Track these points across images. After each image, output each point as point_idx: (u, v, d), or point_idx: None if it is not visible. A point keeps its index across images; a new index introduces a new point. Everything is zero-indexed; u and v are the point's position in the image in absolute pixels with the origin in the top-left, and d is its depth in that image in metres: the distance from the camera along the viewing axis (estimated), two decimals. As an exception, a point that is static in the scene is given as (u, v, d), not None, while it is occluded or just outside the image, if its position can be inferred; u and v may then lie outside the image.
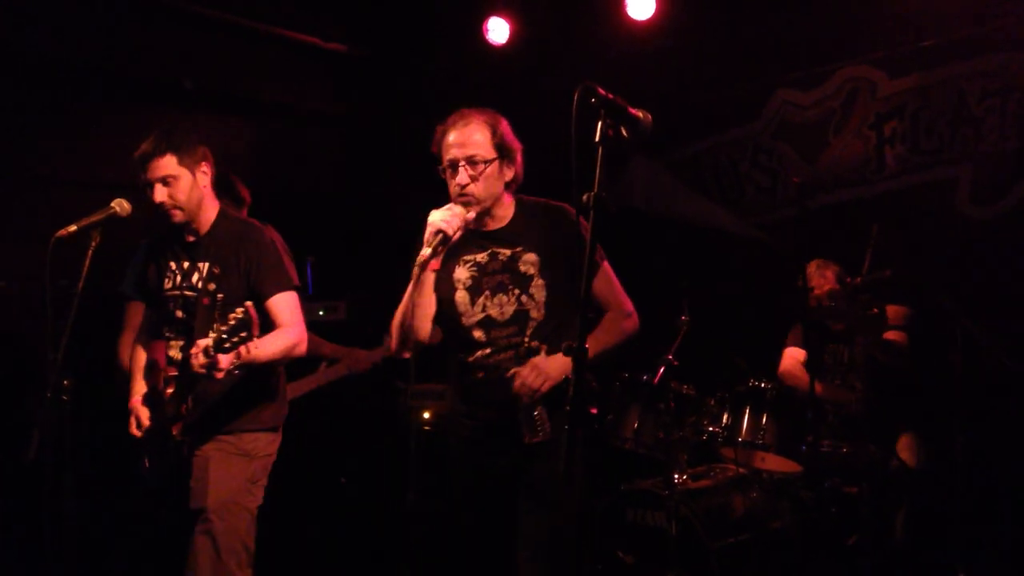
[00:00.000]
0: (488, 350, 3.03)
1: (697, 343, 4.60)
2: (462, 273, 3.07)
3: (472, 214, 2.95)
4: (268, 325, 3.33)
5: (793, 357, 4.76)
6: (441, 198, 3.06)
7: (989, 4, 4.72)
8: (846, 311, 4.25)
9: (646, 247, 5.98)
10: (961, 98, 4.87)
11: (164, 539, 3.64)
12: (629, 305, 3.13)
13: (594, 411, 3.87)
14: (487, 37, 5.68)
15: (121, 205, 3.27)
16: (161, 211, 3.36)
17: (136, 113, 5.08)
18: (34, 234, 3.43)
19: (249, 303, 3.06)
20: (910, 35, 4.99)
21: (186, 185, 3.36)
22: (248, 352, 3.10)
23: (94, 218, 3.22)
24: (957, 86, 4.87)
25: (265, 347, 3.23)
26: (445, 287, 3.06)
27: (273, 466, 3.59)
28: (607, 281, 3.11)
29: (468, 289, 3.06)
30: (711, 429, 4.54)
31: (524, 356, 2.98)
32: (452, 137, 2.99)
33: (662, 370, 4.33)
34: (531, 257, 3.03)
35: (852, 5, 5.10)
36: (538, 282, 3.03)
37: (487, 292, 3.04)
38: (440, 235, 2.85)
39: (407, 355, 3.14)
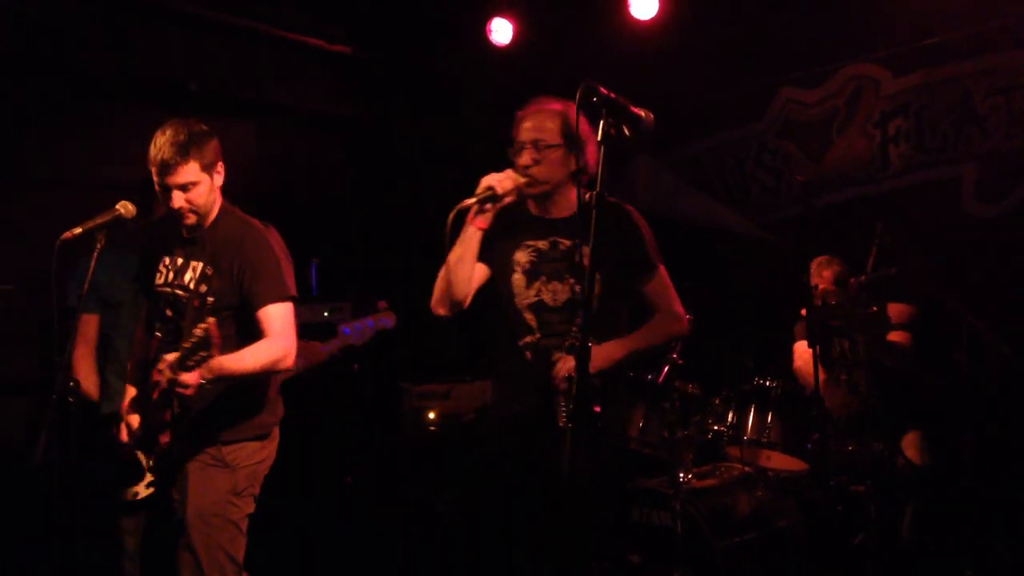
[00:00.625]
0: (538, 335, 3.07)
1: (702, 342, 4.59)
2: (522, 256, 3.12)
3: (526, 184, 3.00)
4: (257, 334, 3.23)
5: (804, 352, 4.75)
6: (452, 197, 3.08)
7: (993, 2, 4.71)
8: (845, 311, 4.24)
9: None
10: (965, 96, 4.86)
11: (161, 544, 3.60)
12: (680, 309, 3.17)
13: (598, 409, 3.85)
14: (491, 38, 5.68)
15: (126, 207, 3.23)
16: (177, 215, 3.26)
17: (141, 115, 5.08)
18: (39, 236, 3.44)
19: (211, 320, 2.96)
20: (914, 33, 4.98)
21: (205, 190, 3.27)
22: (211, 371, 3.02)
23: (99, 220, 3.19)
24: (961, 84, 4.86)
25: (242, 361, 3.14)
26: (504, 268, 3.13)
27: (277, 466, 3.55)
28: (661, 284, 3.16)
29: (526, 273, 3.11)
30: (716, 428, 4.54)
31: (571, 345, 3.00)
32: (526, 122, 3.07)
33: (667, 369, 4.34)
34: (584, 252, 3.00)
35: (856, 3, 5.10)
36: (594, 275, 3.04)
37: (543, 277, 3.09)
38: (490, 191, 2.90)
39: (442, 312, 3.10)
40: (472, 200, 2.89)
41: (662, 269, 3.17)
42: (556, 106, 3.09)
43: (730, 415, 4.51)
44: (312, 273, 5.24)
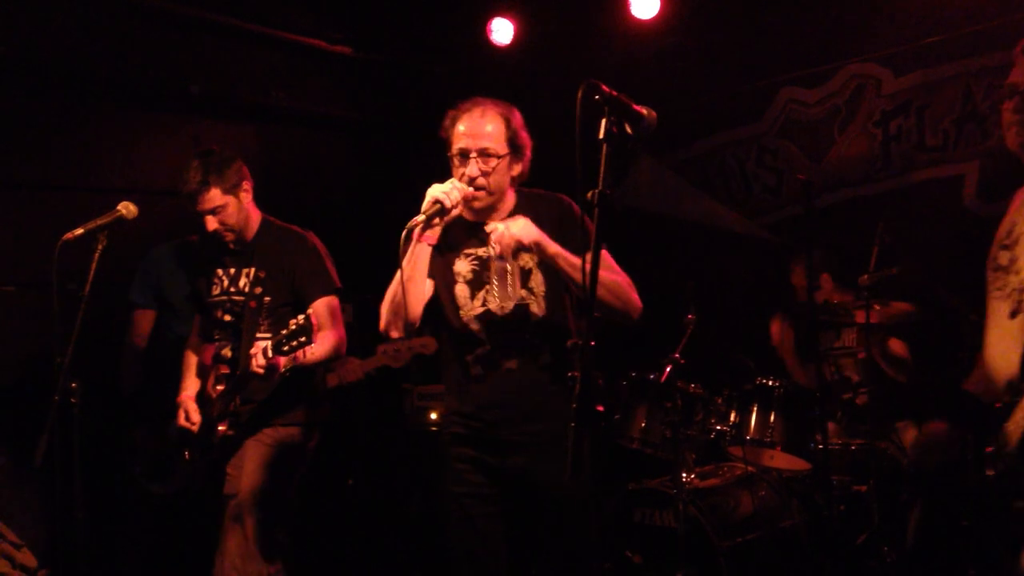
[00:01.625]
0: (487, 347, 2.95)
1: (704, 342, 4.59)
2: (462, 266, 3.01)
3: (472, 194, 2.90)
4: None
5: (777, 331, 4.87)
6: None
7: (994, 0, 4.70)
8: (844, 311, 4.28)
9: (652, 247, 5.98)
10: (967, 95, 4.86)
11: (182, 535, 3.73)
12: (635, 295, 3.02)
13: (600, 409, 3.85)
14: (491, 38, 5.68)
15: (127, 208, 3.28)
16: (215, 238, 3.57)
17: (143, 119, 5.10)
18: (42, 239, 3.44)
19: (310, 311, 3.24)
20: (915, 32, 4.98)
21: (234, 210, 3.57)
22: (304, 356, 3.33)
23: (100, 221, 3.23)
24: (963, 83, 4.86)
25: (314, 352, 3.42)
26: (445, 280, 3.00)
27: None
28: (609, 268, 3.00)
29: (468, 283, 2.99)
30: (719, 428, 4.53)
31: (524, 353, 2.94)
32: (465, 126, 2.94)
33: (669, 369, 4.33)
34: (532, 255, 2.96)
35: (856, 3, 5.10)
36: (538, 276, 2.97)
37: (487, 286, 2.96)
38: (438, 205, 2.79)
39: (395, 334, 2.98)
40: (421, 217, 2.78)
41: (605, 252, 2.92)
42: (497, 108, 2.97)
43: (732, 415, 4.50)
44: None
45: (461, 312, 2.98)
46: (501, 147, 2.93)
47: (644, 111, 2.35)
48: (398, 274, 2.88)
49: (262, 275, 3.58)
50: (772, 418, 4.38)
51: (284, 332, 3.25)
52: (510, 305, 2.93)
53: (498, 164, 2.92)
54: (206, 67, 5.29)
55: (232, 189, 3.56)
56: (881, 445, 4.19)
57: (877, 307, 4.13)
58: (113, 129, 4.96)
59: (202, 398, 3.68)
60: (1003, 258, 2.51)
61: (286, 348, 3.25)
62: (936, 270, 4.43)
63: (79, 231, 3.19)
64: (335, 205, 5.88)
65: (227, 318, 3.64)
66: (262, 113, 5.74)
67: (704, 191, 5.87)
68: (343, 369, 4.41)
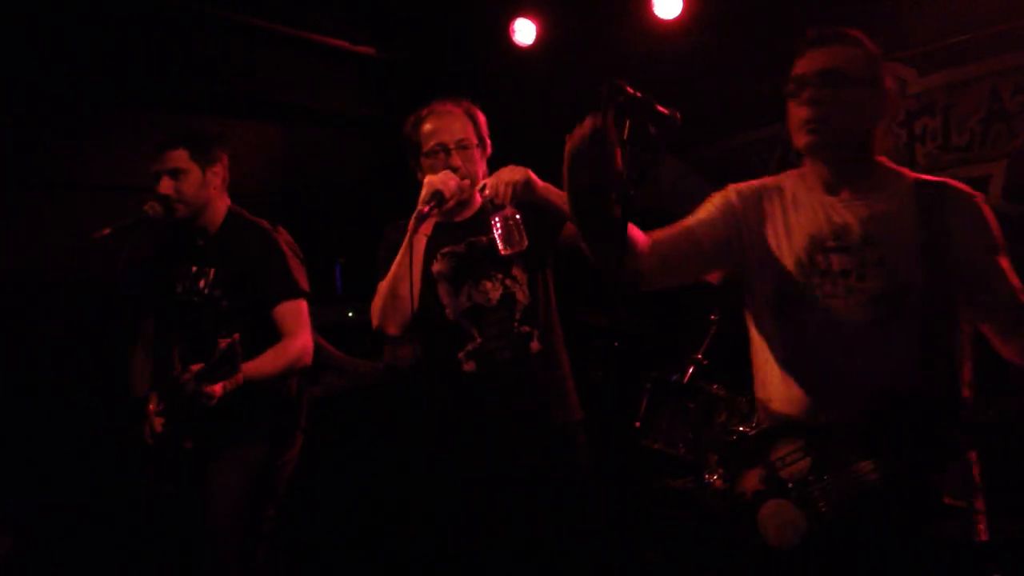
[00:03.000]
0: (479, 341, 2.99)
1: (727, 342, 4.58)
2: (440, 266, 3.05)
3: (465, 183, 2.95)
4: (274, 333, 3.30)
5: None
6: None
7: (1020, 0, 4.66)
8: None
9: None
10: (994, 94, 4.81)
11: (170, 547, 3.61)
12: None
13: (626, 411, 3.87)
14: (513, 38, 5.68)
15: (153, 208, 3.31)
16: (165, 203, 3.32)
17: (166, 118, 5.13)
18: (70, 238, 3.48)
19: (236, 335, 3.00)
20: (940, 31, 4.94)
21: (195, 182, 3.35)
22: (235, 383, 3.05)
23: (127, 221, 3.26)
24: (989, 82, 4.81)
25: (263, 367, 3.18)
26: (424, 284, 3.02)
27: (295, 469, 3.58)
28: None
29: (449, 280, 3.03)
30: (741, 428, 4.51)
31: (516, 342, 2.97)
32: (434, 124, 3.02)
33: (692, 369, 4.32)
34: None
35: (881, 2, 5.06)
36: (518, 264, 3.03)
37: (470, 281, 3.02)
38: (437, 195, 2.84)
39: (393, 331, 2.98)
40: (425, 207, 2.82)
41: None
42: (462, 106, 3.09)
43: (756, 416, 4.48)
44: (337, 273, 5.26)
45: (448, 310, 3.02)
46: (473, 138, 3.04)
47: (668, 112, 2.35)
48: (393, 269, 2.89)
49: (222, 277, 3.37)
50: (795, 419, 4.35)
51: (212, 358, 3.01)
52: (497, 295, 2.98)
53: (473, 153, 3.02)
54: (230, 67, 5.32)
55: (201, 160, 3.36)
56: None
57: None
58: (139, 129, 4.99)
59: (168, 409, 3.44)
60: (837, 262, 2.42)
61: (213, 376, 3.02)
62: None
63: (106, 231, 3.22)
64: (358, 204, 5.90)
65: (187, 319, 3.45)
66: (285, 113, 5.77)
67: (727, 190, 5.85)
68: (353, 372, 4.44)
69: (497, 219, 2.85)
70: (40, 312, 4.60)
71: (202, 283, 3.39)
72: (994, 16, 4.74)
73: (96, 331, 3.18)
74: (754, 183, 2.67)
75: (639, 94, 2.29)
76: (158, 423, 3.41)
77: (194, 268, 3.44)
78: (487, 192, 2.88)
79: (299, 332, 3.33)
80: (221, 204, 3.47)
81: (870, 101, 2.43)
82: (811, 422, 2.28)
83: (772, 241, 2.50)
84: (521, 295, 3.01)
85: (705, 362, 4.33)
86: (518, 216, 2.84)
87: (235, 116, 5.48)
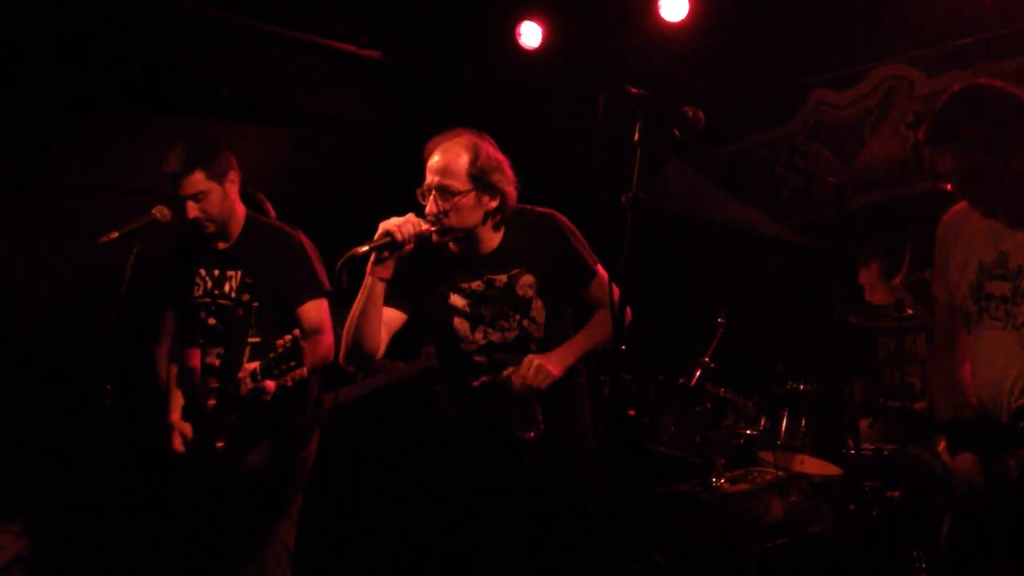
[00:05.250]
0: (491, 373, 2.98)
1: (734, 345, 4.57)
2: (458, 300, 2.99)
3: (437, 232, 2.85)
4: (300, 331, 3.28)
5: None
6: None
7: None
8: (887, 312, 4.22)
9: (681, 250, 5.96)
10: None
11: (197, 547, 3.62)
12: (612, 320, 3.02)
13: (632, 413, 3.86)
14: (520, 41, 5.69)
15: (162, 212, 3.33)
16: (195, 225, 3.40)
17: (173, 123, 5.14)
18: (77, 241, 3.50)
19: (296, 331, 3.08)
20: (948, 33, 4.93)
21: (217, 199, 3.39)
22: (296, 379, 3.13)
23: (135, 225, 3.27)
24: (997, 84, 4.80)
25: (310, 365, 3.25)
26: (440, 313, 2.99)
27: (312, 470, 3.62)
28: (601, 288, 3.04)
29: (467, 317, 2.98)
30: (748, 432, 4.50)
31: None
32: (432, 160, 2.95)
33: (698, 373, 4.31)
34: (528, 279, 2.98)
35: (889, 4, 5.05)
36: (537, 304, 2.98)
37: (487, 320, 2.97)
38: (388, 238, 2.74)
39: (352, 368, 3.03)
40: (365, 248, 2.73)
41: (601, 272, 3.06)
42: (463, 141, 2.95)
43: (762, 419, 4.47)
44: (344, 276, 5.26)
45: (462, 344, 2.99)
46: (462, 184, 2.86)
47: (690, 112, 2.35)
48: (353, 310, 2.85)
49: (249, 281, 3.41)
50: (803, 422, 4.34)
51: (272, 355, 3.07)
52: (512, 336, 2.97)
53: (459, 201, 2.85)
54: (236, 71, 5.33)
55: (217, 176, 3.37)
56: (914, 451, 4.13)
57: (909, 311, 4.08)
58: (145, 133, 5.00)
59: (193, 412, 3.51)
60: (996, 288, 2.49)
61: (276, 372, 3.09)
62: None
63: (114, 235, 3.23)
64: (364, 208, 5.89)
65: (211, 321, 3.47)
66: (292, 117, 5.78)
67: (733, 193, 5.84)
68: (389, 371, 4.46)
69: (518, 405, 2.89)
70: (50, 314, 4.62)
71: (228, 286, 3.44)
72: (1001, 18, 4.73)
73: (117, 333, 3.17)
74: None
75: (645, 93, 2.27)
76: (187, 429, 3.47)
77: (216, 271, 3.48)
78: (516, 381, 2.86)
79: (326, 330, 3.42)
80: (240, 208, 3.51)
81: None
82: None
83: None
84: (537, 333, 2.99)
85: (712, 365, 4.33)
86: (538, 406, 2.89)
87: (242, 120, 5.48)
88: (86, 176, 4.83)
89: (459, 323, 2.98)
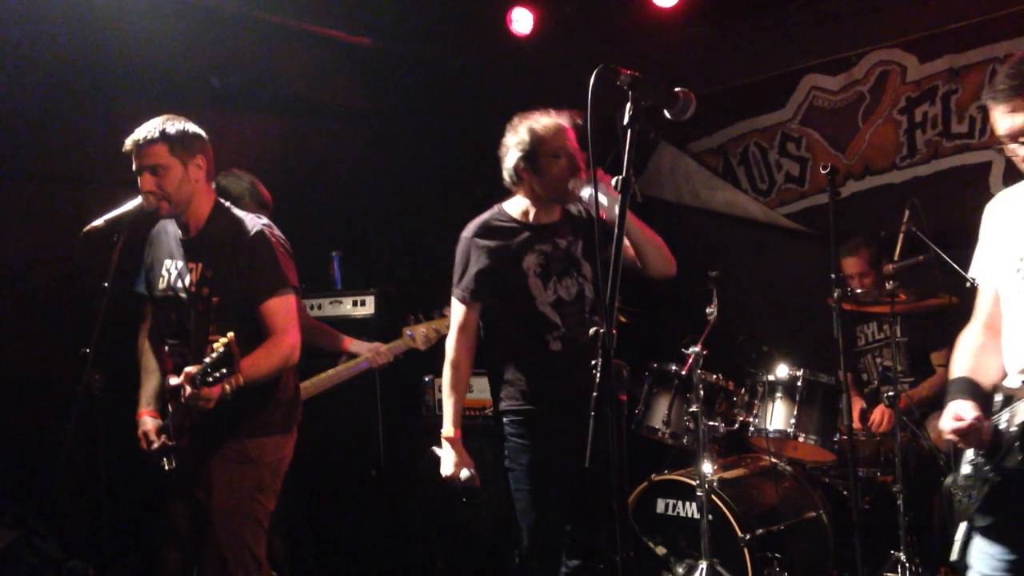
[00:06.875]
0: (563, 329, 3.34)
1: (727, 332, 4.56)
2: (531, 261, 3.36)
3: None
4: (262, 329, 3.21)
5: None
6: (472, 188, 3.09)
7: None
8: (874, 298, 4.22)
9: (674, 236, 5.94)
10: (994, 80, 4.78)
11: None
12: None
13: (623, 398, 3.86)
14: (511, 28, 5.66)
15: (148, 199, 3.24)
16: (148, 202, 3.22)
17: (163, 112, 5.10)
18: (66, 231, 3.46)
19: (231, 334, 2.92)
20: (940, 18, 4.92)
21: (176, 177, 3.22)
22: (232, 386, 2.99)
23: (121, 213, 3.21)
24: (989, 68, 4.79)
25: (258, 366, 3.11)
26: (514, 277, 3.34)
27: (305, 459, 3.55)
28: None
29: (539, 275, 3.36)
30: (742, 419, 4.51)
31: (588, 326, 3.22)
32: (558, 135, 3.35)
33: (691, 360, 4.30)
34: (579, 246, 3.45)
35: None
36: (585, 266, 3.44)
37: (554, 277, 3.38)
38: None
39: None
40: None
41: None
42: (564, 117, 3.39)
43: (755, 405, 4.47)
44: (335, 266, 5.24)
45: (536, 302, 3.35)
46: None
47: (681, 93, 2.32)
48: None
49: (209, 274, 3.23)
50: (796, 409, 4.34)
51: (206, 361, 2.92)
52: (575, 291, 3.40)
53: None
54: (226, 60, 5.29)
55: (182, 153, 3.22)
56: (904, 435, 4.13)
57: (903, 296, 4.07)
58: (136, 122, 4.96)
59: (160, 408, 3.41)
60: None
61: (210, 380, 2.92)
62: (964, 257, 4.36)
63: (100, 223, 3.18)
64: (355, 196, 5.89)
65: (172, 316, 3.33)
66: (282, 104, 5.75)
67: (726, 180, 5.83)
68: (372, 353, 4.42)
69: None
70: (43, 305, 4.61)
71: (188, 279, 3.28)
72: (994, 2, 4.72)
73: (104, 323, 3.12)
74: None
75: (638, 74, 2.24)
76: (151, 427, 3.38)
77: (179, 263, 3.33)
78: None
79: (289, 328, 3.23)
80: (206, 198, 3.33)
81: None
82: None
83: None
84: (589, 292, 3.42)
85: (705, 352, 4.32)
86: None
87: (232, 108, 5.45)
88: (76, 166, 4.80)
89: (533, 282, 3.36)
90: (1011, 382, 2.51)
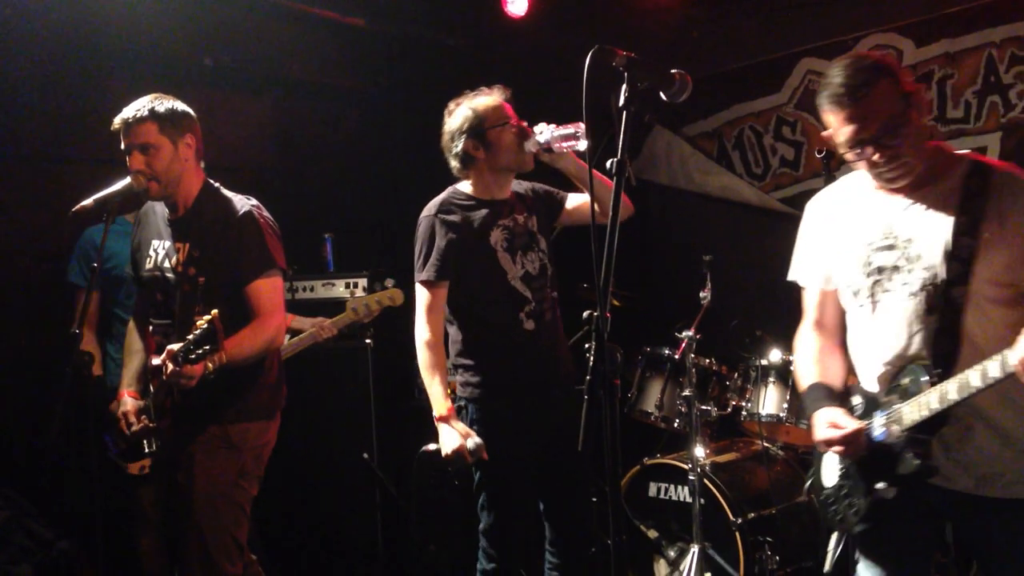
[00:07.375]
0: (533, 303, 3.37)
1: (720, 317, 4.56)
2: (498, 236, 3.37)
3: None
4: (248, 310, 3.20)
5: None
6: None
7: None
8: None
9: (668, 221, 5.93)
10: (989, 65, 4.77)
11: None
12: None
13: (617, 382, 3.86)
14: (506, 9, 5.62)
15: (138, 180, 3.21)
16: (136, 182, 3.20)
17: (156, 91, 5.06)
18: (57, 211, 3.44)
19: (215, 312, 2.91)
20: (937, 1, 4.89)
21: (166, 156, 3.20)
22: (215, 364, 2.98)
23: (110, 192, 3.18)
24: (985, 53, 4.77)
25: (242, 347, 3.09)
26: (483, 255, 3.33)
27: (296, 442, 3.53)
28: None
29: (507, 250, 3.38)
30: (734, 403, 4.51)
31: (551, 305, 3.43)
32: (485, 107, 3.36)
33: (684, 344, 4.30)
34: (534, 221, 3.49)
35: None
36: (542, 240, 3.49)
37: (519, 252, 3.39)
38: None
39: None
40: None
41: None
42: (496, 92, 3.42)
43: (748, 390, 4.47)
44: (328, 248, 5.22)
45: (508, 277, 3.35)
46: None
47: (677, 75, 2.29)
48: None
49: (196, 254, 3.21)
50: (788, 394, 4.35)
51: (189, 338, 2.90)
52: (538, 265, 3.42)
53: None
54: (220, 39, 5.25)
55: (172, 132, 3.20)
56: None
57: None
58: (128, 102, 4.92)
59: (142, 389, 3.40)
60: (886, 260, 2.46)
61: (193, 357, 2.91)
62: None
63: (89, 203, 3.15)
64: (348, 178, 5.86)
65: (159, 296, 3.31)
66: (276, 85, 5.71)
67: (721, 164, 5.81)
68: (316, 328, 4.44)
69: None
70: (32, 285, 4.58)
71: (175, 259, 3.26)
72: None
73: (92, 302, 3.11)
74: None
75: (634, 55, 2.21)
76: (130, 408, 3.34)
77: (167, 243, 3.32)
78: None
79: (275, 310, 3.22)
80: (195, 177, 3.31)
81: None
82: None
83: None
84: (550, 266, 3.47)
85: (698, 336, 4.32)
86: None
87: (225, 89, 5.41)
88: (68, 145, 4.77)
89: (503, 257, 3.37)
90: (871, 386, 2.48)
